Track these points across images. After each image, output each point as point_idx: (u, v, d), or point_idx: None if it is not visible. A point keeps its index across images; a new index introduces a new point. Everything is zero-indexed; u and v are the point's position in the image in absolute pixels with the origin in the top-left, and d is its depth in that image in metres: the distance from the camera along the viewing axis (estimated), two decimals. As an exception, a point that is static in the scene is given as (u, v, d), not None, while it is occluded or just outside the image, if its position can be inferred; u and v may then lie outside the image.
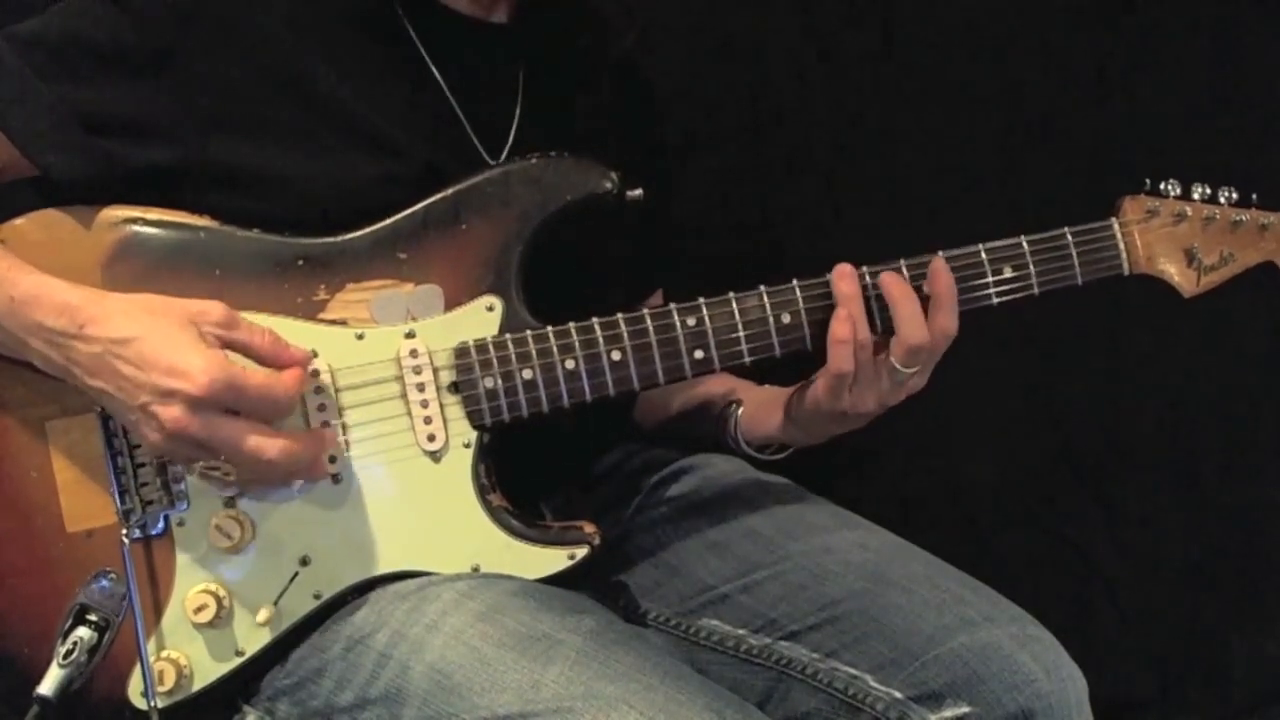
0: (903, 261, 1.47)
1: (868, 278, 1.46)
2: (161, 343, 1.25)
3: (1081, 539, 2.29)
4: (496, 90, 1.55)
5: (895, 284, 1.45)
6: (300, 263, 1.40)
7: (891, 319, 1.44)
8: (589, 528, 1.43)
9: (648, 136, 1.73)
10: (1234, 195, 1.54)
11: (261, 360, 1.31)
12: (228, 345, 1.29)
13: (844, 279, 1.44)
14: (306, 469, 1.35)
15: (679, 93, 1.97)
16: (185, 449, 1.28)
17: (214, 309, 1.29)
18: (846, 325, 1.43)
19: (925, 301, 1.45)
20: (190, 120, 1.39)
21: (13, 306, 1.29)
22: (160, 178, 1.39)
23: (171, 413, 1.24)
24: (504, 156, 1.52)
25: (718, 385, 1.67)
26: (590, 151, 1.45)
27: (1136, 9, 2.14)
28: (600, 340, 1.42)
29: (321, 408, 1.38)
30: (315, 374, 1.38)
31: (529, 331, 1.41)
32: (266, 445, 1.28)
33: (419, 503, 1.40)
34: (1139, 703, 2.29)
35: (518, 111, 1.55)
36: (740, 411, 1.62)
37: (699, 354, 1.44)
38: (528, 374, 1.41)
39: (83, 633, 1.32)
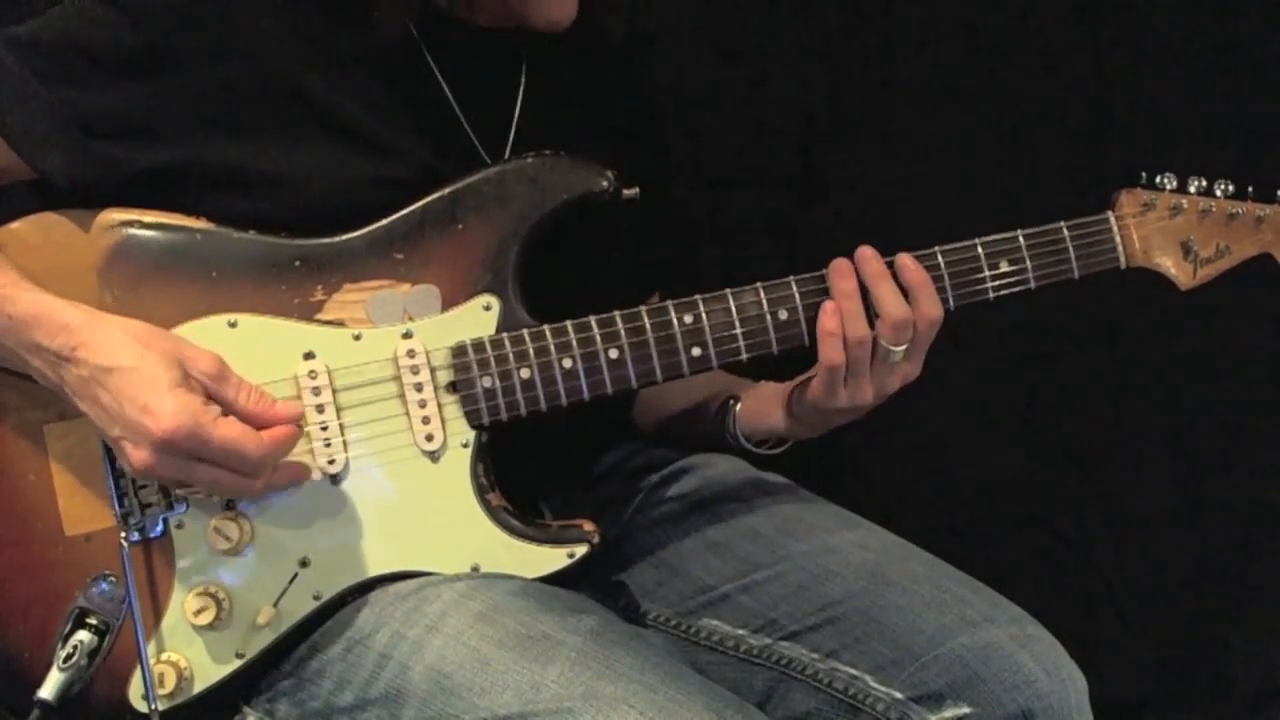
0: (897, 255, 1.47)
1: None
2: (141, 379, 1.25)
3: (1081, 539, 2.29)
4: (497, 91, 1.55)
5: (869, 263, 1.44)
6: (297, 264, 1.40)
7: (873, 302, 1.44)
8: (588, 526, 1.43)
9: (649, 136, 1.73)
10: (1230, 188, 1.54)
11: (243, 420, 1.29)
12: (211, 398, 1.28)
13: (842, 275, 1.44)
14: (287, 485, 1.36)
15: (679, 92, 1.97)
16: (159, 480, 1.30)
17: (205, 360, 1.28)
18: (834, 318, 1.43)
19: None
20: (189, 122, 1.39)
21: (11, 324, 1.29)
22: (159, 180, 1.39)
23: (139, 452, 1.25)
24: (504, 157, 1.52)
25: (715, 384, 1.67)
26: (590, 151, 1.45)
27: (1134, 3, 2.15)
28: (597, 339, 1.42)
29: (320, 409, 1.38)
30: (313, 375, 1.38)
31: (526, 330, 1.41)
32: (241, 484, 1.28)
33: (418, 503, 1.40)
34: (1139, 703, 2.28)
35: (518, 113, 1.55)
36: (739, 407, 1.61)
37: (696, 351, 1.44)
38: (525, 373, 1.41)
39: (83, 636, 1.32)
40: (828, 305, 1.44)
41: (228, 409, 1.28)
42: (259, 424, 1.29)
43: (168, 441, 1.23)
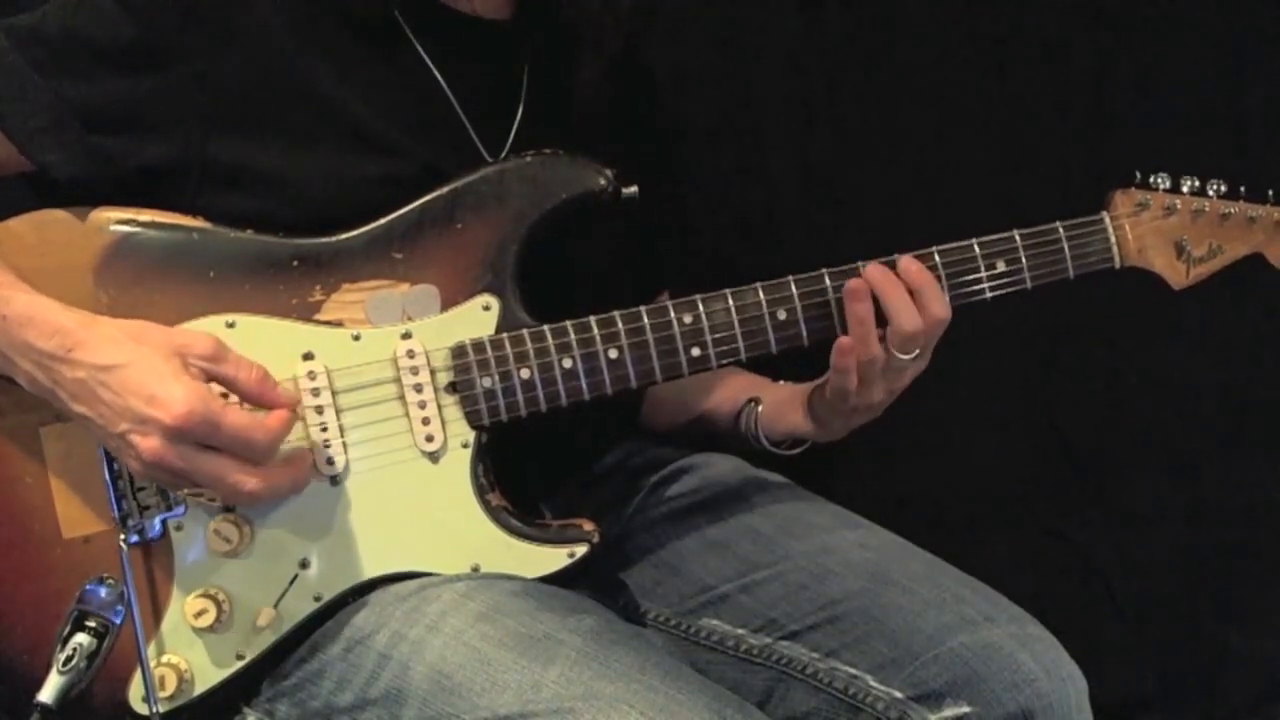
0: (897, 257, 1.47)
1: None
2: (144, 371, 1.24)
3: (1081, 539, 2.29)
4: (499, 89, 1.55)
5: (880, 275, 1.45)
6: (295, 263, 1.40)
7: (884, 313, 1.44)
8: (588, 525, 1.43)
9: (652, 134, 1.73)
10: (1222, 188, 1.55)
11: (245, 397, 1.30)
12: (213, 379, 1.28)
13: (858, 299, 1.44)
14: (289, 490, 1.35)
15: (679, 91, 1.97)
16: (165, 477, 1.28)
17: (201, 342, 1.28)
18: (850, 356, 1.44)
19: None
20: (189, 119, 1.39)
21: (5, 325, 1.29)
22: (158, 176, 1.39)
23: (149, 443, 1.24)
24: (504, 155, 1.52)
25: (734, 385, 1.68)
26: (592, 149, 1.45)
27: (1134, 2, 2.16)
28: (597, 339, 1.42)
29: (319, 410, 1.38)
30: (312, 376, 1.38)
31: (526, 331, 1.41)
32: (245, 480, 1.27)
33: (418, 503, 1.40)
34: (1139, 703, 2.28)
35: (520, 110, 1.56)
36: (760, 409, 1.62)
37: (696, 351, 1.44)
38: (525, 373, 1.41)
39: (82, 639, 1.30)
40: (843, 343, 1.44)
41: (230, 386, 1.29)
42: (260, 403, 1.30)
43: (179, 427, 1.23)
